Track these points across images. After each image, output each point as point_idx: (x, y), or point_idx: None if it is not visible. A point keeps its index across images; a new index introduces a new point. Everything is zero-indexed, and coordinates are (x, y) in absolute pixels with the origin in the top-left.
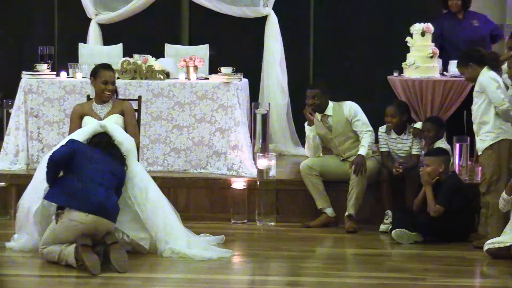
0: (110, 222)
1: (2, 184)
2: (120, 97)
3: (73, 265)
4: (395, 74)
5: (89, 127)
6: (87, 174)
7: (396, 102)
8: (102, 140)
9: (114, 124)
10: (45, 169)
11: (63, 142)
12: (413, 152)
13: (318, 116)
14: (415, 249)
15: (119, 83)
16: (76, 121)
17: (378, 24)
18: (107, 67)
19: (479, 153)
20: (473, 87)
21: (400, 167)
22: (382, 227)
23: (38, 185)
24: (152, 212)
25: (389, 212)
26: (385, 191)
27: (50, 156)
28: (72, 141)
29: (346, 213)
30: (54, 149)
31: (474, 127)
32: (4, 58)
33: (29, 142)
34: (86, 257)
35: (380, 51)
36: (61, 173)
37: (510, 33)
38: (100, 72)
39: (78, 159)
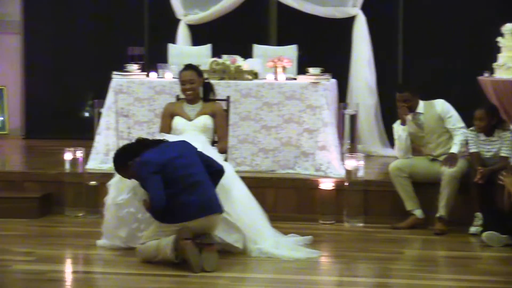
0: (220, 214)
1: (93, 183)
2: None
3: (172, 259)
4: (486, 74)
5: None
6: (182, 180)
7: (485, 105)
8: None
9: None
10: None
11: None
12: (501, 154)
13: (409, 115)
14: (506, 252)
15: None
16: (166, 119)
17: (469, 23)
18: (185, 67)
19: None
20: None
21: (482, 171)
22: (472, 229)
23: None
24: (242, 211)
25: (479, 214)
26: (474, 193)
27: (155, 207)
28: (153, 169)
29: (437, 215)
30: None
31: None
32: (95, 59)
33: (119, 142)
34: (190, 253)
35: (471, 51)
36: None
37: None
38: (180, 73)
39: (167, 174)
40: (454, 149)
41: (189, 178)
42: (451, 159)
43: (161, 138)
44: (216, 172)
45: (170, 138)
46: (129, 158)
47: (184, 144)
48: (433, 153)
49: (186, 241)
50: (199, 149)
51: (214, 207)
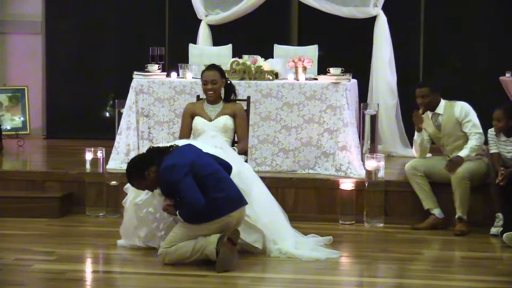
0: (245, 205)
1: (114, 182)
2: None
3: (210, 257)
4: (508, 75)
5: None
6: (209, 178)
7: (503, 106)
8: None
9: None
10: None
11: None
12: None
13: (429, 114)
14: None
15: None
16: (187, 120)
17: (491, 24)
18: (208, 67)
19: None
20: None
21: (503, 172)
22: (493, 230)
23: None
24: (262, 211)
25: (500, 215)
26: (495, 194)
27: (195, 208)
28: (185, 171)
29: (456, 216)
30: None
31: None
32: (116, 59)
33: (139, 142)
34: (227, 255)
35: (492, 52)
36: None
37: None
38: (202, 73)
39: (195, 175)
40: (463, 152)
41: (214, 176)
42: (453, 164)
43: (171, 144)
44: (226, 169)
45: (178, 143)
46: (145, 167)
47: (192, 147)
48: (450, 154)
49: (230, 244)
50: (218, 149)
51: (242, 199)
